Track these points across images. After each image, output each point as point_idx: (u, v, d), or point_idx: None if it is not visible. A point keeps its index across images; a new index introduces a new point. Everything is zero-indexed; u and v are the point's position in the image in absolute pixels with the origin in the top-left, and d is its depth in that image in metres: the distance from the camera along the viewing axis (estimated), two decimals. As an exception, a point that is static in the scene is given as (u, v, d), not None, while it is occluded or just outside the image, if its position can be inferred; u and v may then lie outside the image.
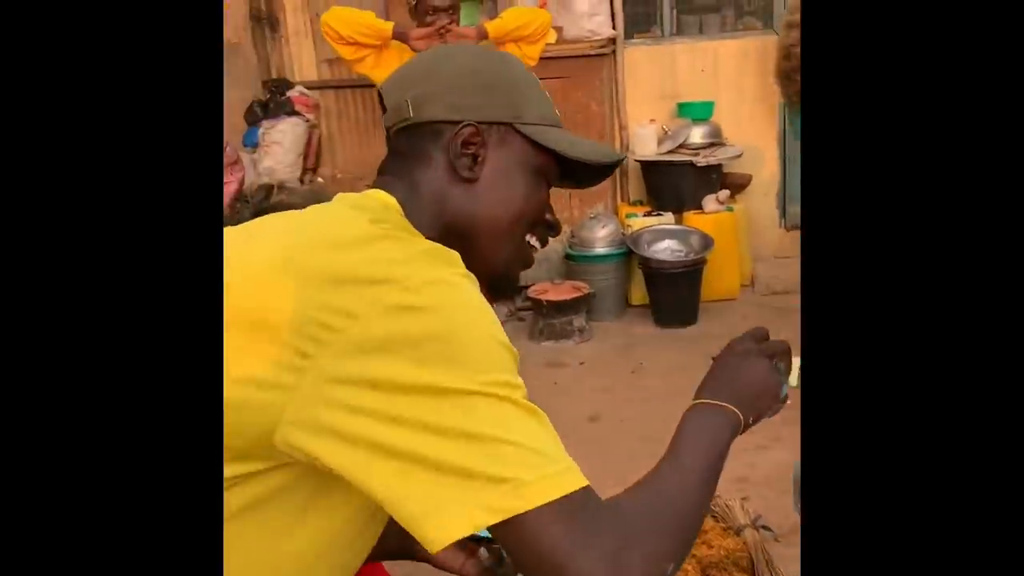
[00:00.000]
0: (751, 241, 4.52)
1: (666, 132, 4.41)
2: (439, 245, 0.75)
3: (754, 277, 4.49)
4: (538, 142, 0.86)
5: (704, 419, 0.82)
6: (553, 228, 0.93)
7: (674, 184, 4.32)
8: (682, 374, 3.54)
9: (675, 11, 4.55)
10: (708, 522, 2.37)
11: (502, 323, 0.73)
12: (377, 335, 0.64)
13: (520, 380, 0.69)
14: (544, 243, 0.94)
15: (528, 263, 0.92)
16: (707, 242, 4.13)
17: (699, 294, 4.13)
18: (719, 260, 4.19)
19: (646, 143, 4.44)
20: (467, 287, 0.71)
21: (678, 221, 4.32)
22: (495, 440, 0.64)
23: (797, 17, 0.78)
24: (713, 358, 0.92)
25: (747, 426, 0.85)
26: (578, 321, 4.00)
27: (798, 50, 0.77)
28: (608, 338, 4.01)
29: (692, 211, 4.30)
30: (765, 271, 4.49)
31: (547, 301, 3.93)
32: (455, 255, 0.74)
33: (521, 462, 0.64)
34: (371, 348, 0.64)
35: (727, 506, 2.41)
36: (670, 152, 4.29)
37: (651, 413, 3.18)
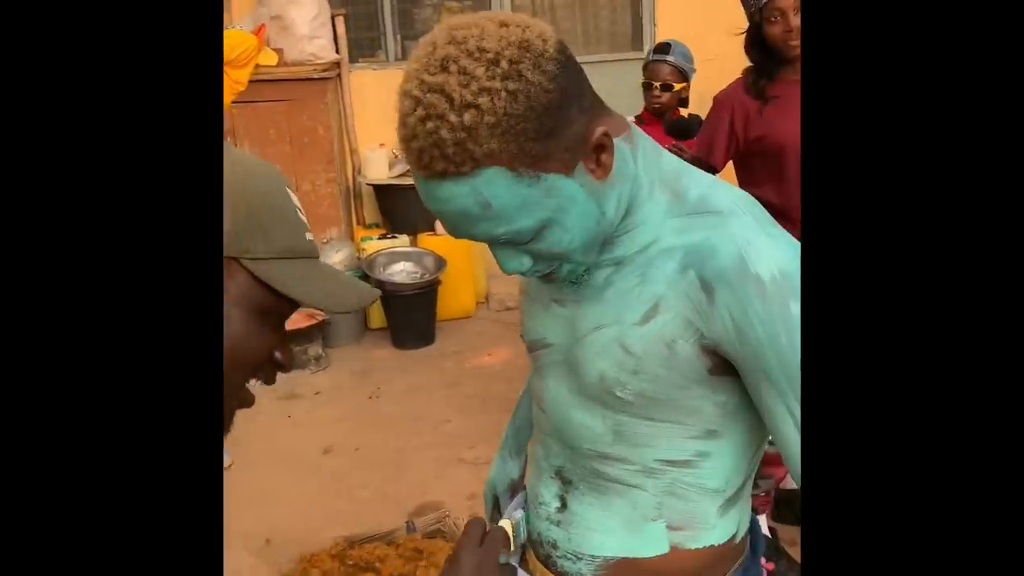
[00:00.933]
0: (484, 259, 4.68)
1: (396, 156, 4.45)
2: None
3: (488, 295, 4.65)
4: (264, 281, 0.73)
5: None
6: (282, 367, 0.80)
7: (407, 207, 4.36)
8: (418, 396, 3.58)
9: (399, 36, 4.62)
10: (438, 542, 2.41)
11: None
12: None
13: None
14: (271, 382, 0.80)
15: (247, 405, 0.80)
16: (441, 263, 4.22)
17: (435, 314, 4.21)
18: (453, 280, 4.29)
19: (377, 167, 4.46)
20: None
21: (413, 243, 4.37)
22: None
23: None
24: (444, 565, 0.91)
25: None
26: (313, 349, 3.91)
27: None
28: (346, 364, 3.96)
29: (426, 232, 4.37)
30: (499, 288, 4.66)
31: (280, 331, 3.80)
32: None
33: None
34: None
35: (456, 524, 2.47)
36: (401, 175, 4.33)
37: (387, 439, 3.18)
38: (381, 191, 4.47)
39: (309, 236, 0.78)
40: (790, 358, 0.79)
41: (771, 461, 1.42)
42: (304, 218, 0.79)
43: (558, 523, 0.98)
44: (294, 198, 0.78)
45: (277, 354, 0.79)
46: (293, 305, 0.77)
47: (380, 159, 4.46)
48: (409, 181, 4.34)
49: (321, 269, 0.78)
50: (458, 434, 3.18)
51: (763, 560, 1.04)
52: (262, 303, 0.75)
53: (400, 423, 3.30)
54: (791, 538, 2.33)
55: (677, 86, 2.86)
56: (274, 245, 0.75)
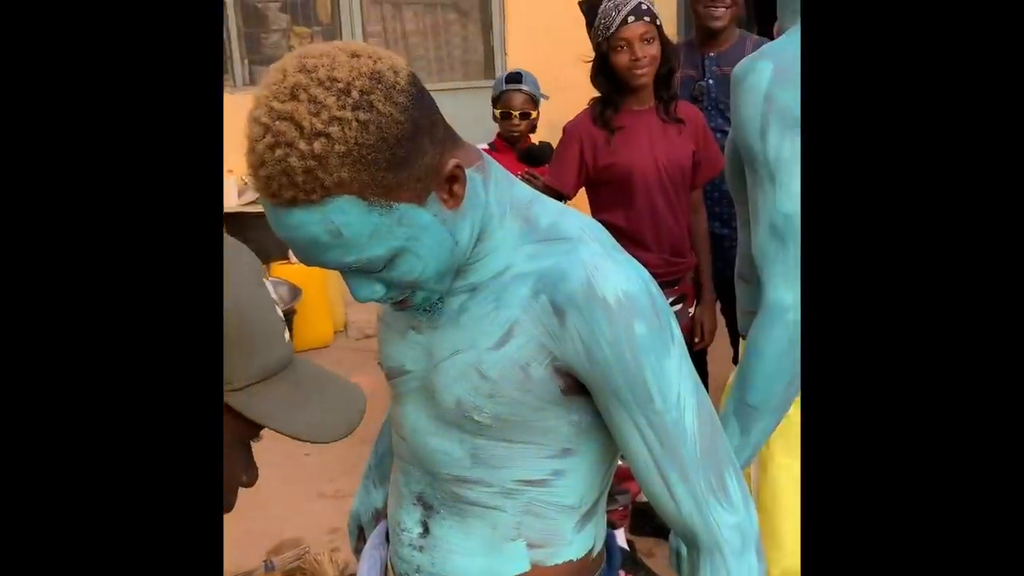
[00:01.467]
0: (342, 287, 4.60)
1: (245, 183, 4.32)
2: None
3: (347, 323, 4.57)
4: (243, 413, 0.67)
5: None
6: (246, 486, 0.76)
7: (258, 235, 4.20)
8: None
9: (247, 61, 4.51)
10: (298, 582, 2.34)
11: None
12: None
13: None
14: (230, 508, 0.75)
15: None
16: (296, 292, 4.12)
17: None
18: (309, 309, 4.19)
19: (227, 195, 4.31)
20: None
21: (265, 272, 4.25)
22: None
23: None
24: None
25: None
26: (161, 386, 3.72)
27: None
28: (197, 400, 3.79)
29: (279, 261, 4.26)
30: (357, 316, 4.59)
31: (123, 368, 3.59)
32: None
33: None
34: None
35: (316, 560, 2.40)
36: (250, 203, 4.21)
37: (243, 475, 3.05)
38: (230, 219, 4.32)
39: (287, 336, 0.70)
40: (635, 376, 0.83)
41: (628, 476, 1.47)
42: (280, 311, 0.71)
43: (421, 548, 0.98)
44: (269, 286, 0.71)
45: (244, 477, 0.75)
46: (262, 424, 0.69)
47: (228, 186, 4.32)
48: (260, 209, 4.19)
49: (300, 382, 0.70)
50: (317, 467, 3.09)
51: (621, 573, 1.07)
52: (236, 434, 0.68)
53: (256, 458, 3.18)
54: (648, 549, 2.41)
55: (533, 114, 2.94)
56: (254, 367, 0.66)
